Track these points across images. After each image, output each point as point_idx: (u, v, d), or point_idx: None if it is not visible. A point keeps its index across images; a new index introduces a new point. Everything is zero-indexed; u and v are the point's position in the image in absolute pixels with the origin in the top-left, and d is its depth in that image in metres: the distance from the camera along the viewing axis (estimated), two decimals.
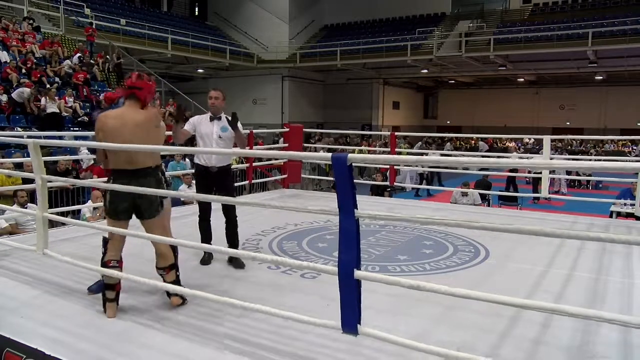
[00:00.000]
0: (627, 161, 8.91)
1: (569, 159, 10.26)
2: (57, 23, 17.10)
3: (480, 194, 8.96)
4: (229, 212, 4.06)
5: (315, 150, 13.69)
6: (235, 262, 3.94)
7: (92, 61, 14.74)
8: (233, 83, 24.52)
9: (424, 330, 2.82)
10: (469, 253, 4.51)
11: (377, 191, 10.35)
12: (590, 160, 12.80)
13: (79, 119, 11.82)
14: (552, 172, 7.42)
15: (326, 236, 5.03)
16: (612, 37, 18.42)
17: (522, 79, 28.20)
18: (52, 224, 4.89)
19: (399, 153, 10.50)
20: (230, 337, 2.71)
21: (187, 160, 9.67)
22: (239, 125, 4.03)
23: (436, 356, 2.07)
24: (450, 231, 5.18)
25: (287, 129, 7.83)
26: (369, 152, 13.38)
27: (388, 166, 7.78)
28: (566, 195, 11.77)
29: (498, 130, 27.07)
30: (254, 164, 7.45)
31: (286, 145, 7.64)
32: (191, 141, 4.75)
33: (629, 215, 7.09)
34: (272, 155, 6.41)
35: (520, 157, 11.39)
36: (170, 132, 4.08)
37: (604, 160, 11.49)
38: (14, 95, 11.15)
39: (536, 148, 21.94)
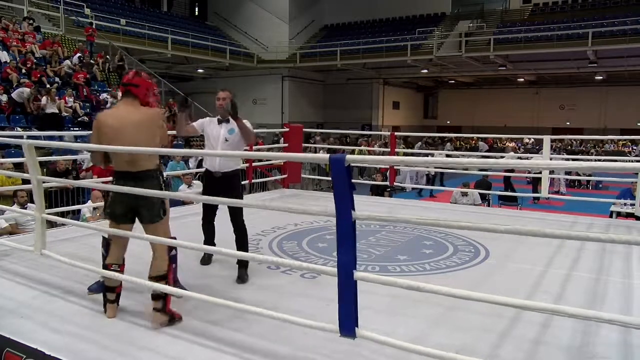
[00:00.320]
0: (627, 161, 8.92)
1: (568, 159, 10.27)
2: (57, 23, 17.10)
3: (480, 194, 8.97)
4: (235, 218, 3.82)
5: (315, 150, 13.69)
6: (239, 275, 3.69)
7: (92, 61, 14.74)
8: (233, 83, 24.49)
9: (423, 332, 2.81)
10: (469, 253, 4.51)
11: (377, 191, 10.35)
12: (590, 160, 12.81)
13: (79, 119, 11.82)
14: (551, 172, 7.42)
15: (326, 236, 5.03)
16: (612, 37, 18.41)
17: (522, 79, 28.19)
18: (53, 224, 4.89)
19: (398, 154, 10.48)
20: (229, 338, 2.71)
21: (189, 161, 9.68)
22: (246, 123, 3.81)
23: (435, 359, 2.06)
24: (450, 231, 5.18)
25: (287, 129, 7.83)
26: (369, 152, 13.37)
27: (388, 166, 7.78)
28: (565, 195, 11.76)
29: (498, 130, 27.04)
30: (254, 164, 7.44)
31: (286, 145, 7.64)
32: (187, 143, 4.73)
33: (629, 215, 7.09)
34: (272, 157, 6.39)
35: (519, 158, 11.40)
36: (173, 132, 4.05)
37: (604, 160, 11.49)
38: (14, 95, 11.16)
39: (536, 148, 21.93)
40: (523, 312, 2.93)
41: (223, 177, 3.87)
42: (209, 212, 4.02)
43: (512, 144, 26.30)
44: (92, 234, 4.33)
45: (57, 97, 11.72)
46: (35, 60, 12.92)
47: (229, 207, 3.73)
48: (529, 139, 25.24)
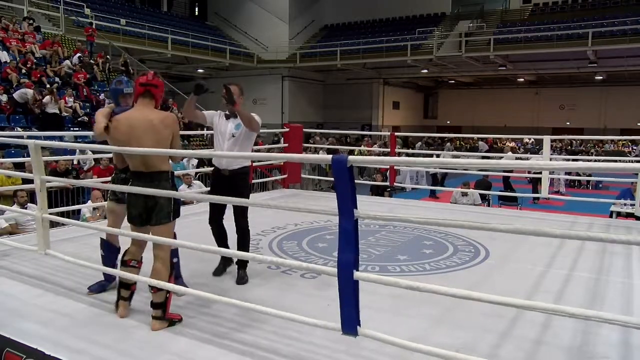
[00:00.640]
0: (627, 161, 8.92)
1: (568, 159, 10.27)
2: (57, 23, 17.11)
3: (480, 194, 8.97)
4: (237, 219, 3.72)
5: (315, 150, 13.69)
6: (239, 275, 3.67)
7: (92, 61, 14.74)
8: None
9: (424, 331, 2.82)
10: (469, 253, 4.51)
11: (377, 191, 10.36)
12: (590, 160, 12.81)
13: (79, 119, 11.82)
14: (551, 172, 7.42)
15: (326, 236, 5.03)
16: (612, 37, 18.42)
17: (522, 79, 28.19)
18: (53, 223, 4.89)
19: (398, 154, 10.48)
20: (230, 337, 2.71)
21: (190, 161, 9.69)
22: (255, 116, 3.68)
23: (436, 357, 2.06)
24: (450, 231, 5.19)
25: (287, 129, 7.84)
26: (368, 152, 13.37)
27: (388, 166, 7.78)
28: (565, 195, 11.76)
29: (498, 130, 27.05)
30: (254, 164, 7.43)
31: (286, 145, 7.65)
32: (188, 143, 4.70)
33: (629, 215, 7.09)
34: (271, 157, 6.38)
35: (519, 158, 11.40)
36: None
37: (604, 160, 11.49)
38: (15, 96, 11.15)
39: (536, 148, 21.93)
40: (523, 312, 2.93)
41: (230, 175, 3.75)
42: (216, 212, 3.83)
43: (511, 144, 26.31)
44: (92, 233, 4.33)
45: (57, 98, 11.72)
46: (35, 60, 12.92)
47: (233, 207, 3.71)
48: (529, 139, 25.25)
